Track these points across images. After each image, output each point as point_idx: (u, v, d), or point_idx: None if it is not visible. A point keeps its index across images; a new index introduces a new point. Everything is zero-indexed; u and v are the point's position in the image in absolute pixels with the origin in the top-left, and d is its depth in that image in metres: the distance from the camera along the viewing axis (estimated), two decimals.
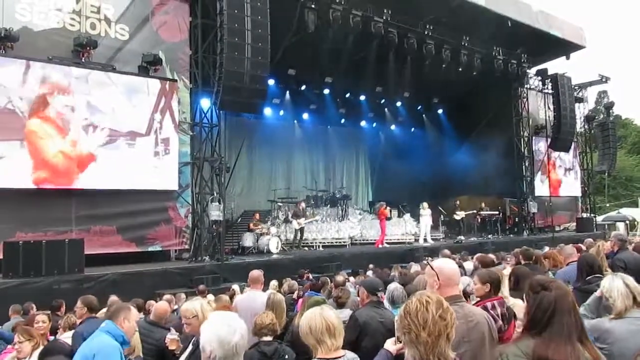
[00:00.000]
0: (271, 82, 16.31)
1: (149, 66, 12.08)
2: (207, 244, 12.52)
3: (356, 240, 18.33)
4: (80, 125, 11.03)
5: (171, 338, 3.88)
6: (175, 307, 7.41)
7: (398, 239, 17.94)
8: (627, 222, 29.39)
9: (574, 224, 23.60)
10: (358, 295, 4.89)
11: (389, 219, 17.87)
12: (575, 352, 2.15)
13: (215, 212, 12.34)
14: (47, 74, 10.65)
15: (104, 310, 5.47)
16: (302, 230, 16.17)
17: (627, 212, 32.22)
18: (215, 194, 12.58)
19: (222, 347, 2.28)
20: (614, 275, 3.18)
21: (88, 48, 11.21)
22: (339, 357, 2.68)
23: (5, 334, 6.24)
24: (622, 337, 2.90)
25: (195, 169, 12.78)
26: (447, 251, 9.01)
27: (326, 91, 20.67)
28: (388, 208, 17.48)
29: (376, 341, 3.60)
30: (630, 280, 3.11)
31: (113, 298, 6.95)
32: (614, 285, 3.07)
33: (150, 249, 12.02)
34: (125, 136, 11.62)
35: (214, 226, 12.57)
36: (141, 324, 5.41)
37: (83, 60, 11.23)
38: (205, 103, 13.07)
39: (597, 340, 2.90)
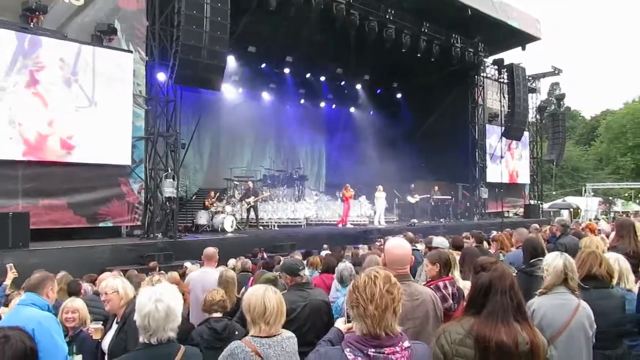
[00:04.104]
0: (230, 58, 16.03)
1: (102, 36, 11.61)
2: (160, 221, 12.31)
3: (312, 220, 18.45)
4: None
5: (95, 327, 3.79)
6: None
7: (353, 221, 18.17)
8: (571, 209, 30.77)
9: (522, 210, 24.47)
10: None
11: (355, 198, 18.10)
12: (511, 331, 2.25)
13: (169, 189, 12.15)
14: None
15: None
16: (255, 209, 16.10)
17: (571, 200, 33.75)
18: (169, 171, 12.37)
19: (139, 315, 2.34)
20: (560, 254, 3.30)
21: (37, 13, 10.64)
22: (275, 335, 2.69)
23: None
24: (548, 311, 3.06)
25: (149, 144, 12.47)
26: (410, 234, 9.22)
27: (286, 70, 20.47)
28: (350, 189, 17.68)
29: (300, 324, 3.64)
30: (572, 262, 3.25)
31: (62, 273, 6.71)
32: (554, 262, 3.21)
33: (101, 224, 11.69)
34: (77, 108, 11.18)
35: (167, 203, 12.36)
36: (89, 296, 5.32)
37: (32, 26, 10.70)
38: (161, 77, 12.75)
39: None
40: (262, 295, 2.70)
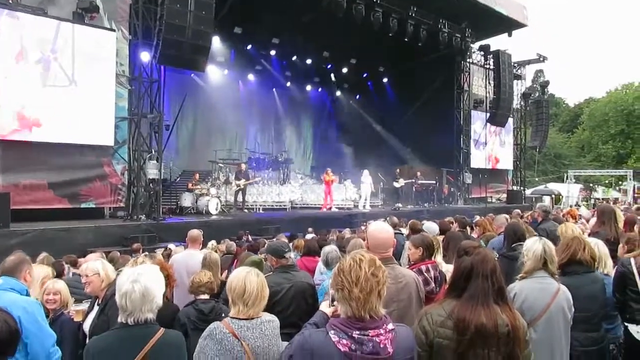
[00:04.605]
0: (216, 39, 15.81)
1: (84, 13, 11.35)
2: (144, 202, 12.21)
3: (297, 204, 18.44)
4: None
5: (76, 309, 3.78)
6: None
7: (338, 205, 18.21)
8: (553, 196, 31.20)
9: (505, 195, 24.74)
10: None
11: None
12: (491, 313, 2.30)
13: (152, 170, 12.03)
14: None
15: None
16: (243, 192, 16.03)
17: (553, 186, 34.22)
18: (153, 152, 12.24)
19: (118, 295, 2.37)
20: (539, 238, 3.33)
21: None
22: (254, 318, 2.68)
23: None
24: (529, 294, 3.12)
25: (132, 125, 12.30)
26: (395, 218, 9.26)
27: (273, 52, 20.31)
28: (330, 173, 17.66)
29: (284, 306, 3.66)
30: (551, 247, 3.29)
31: (43, 255, 6.63)
32: (533, 247, 3.26)
33: (83, 205, 11.56)
34: (56, 87, 10.95)
35: (151, 185, 12.25)
36: (71, 277, 5.27)
37: (11, 2, 10.42)
38: (145, 56, 12.54)
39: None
40: (244, 277, 2.70)
